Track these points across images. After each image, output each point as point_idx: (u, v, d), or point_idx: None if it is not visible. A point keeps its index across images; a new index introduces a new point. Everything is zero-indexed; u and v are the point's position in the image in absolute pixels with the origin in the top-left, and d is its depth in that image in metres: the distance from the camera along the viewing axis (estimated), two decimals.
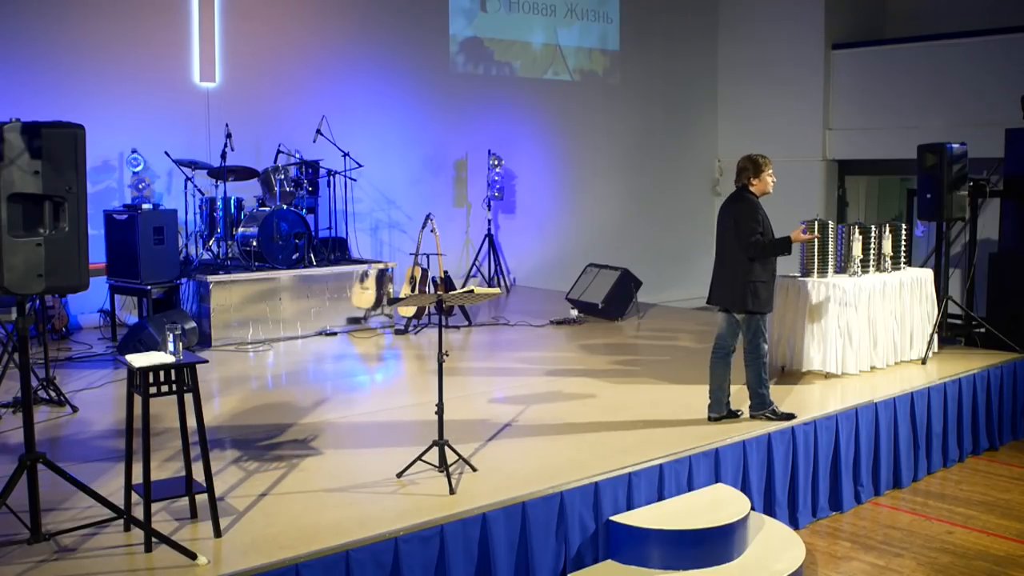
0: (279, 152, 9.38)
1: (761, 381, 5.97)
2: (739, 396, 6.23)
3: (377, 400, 6.73)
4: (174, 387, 4.15)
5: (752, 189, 5.87)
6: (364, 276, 9.15)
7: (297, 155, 9.45)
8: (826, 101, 13.70)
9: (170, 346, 4.17)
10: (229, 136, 8.99)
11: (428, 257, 8.99)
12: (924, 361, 7.61)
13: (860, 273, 7.33)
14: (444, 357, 4.98)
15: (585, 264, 10.34)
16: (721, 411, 5.97)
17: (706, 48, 14.74)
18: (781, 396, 6.67)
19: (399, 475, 4.87)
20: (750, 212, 5.78)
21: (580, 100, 13.18)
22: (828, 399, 6.52)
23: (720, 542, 4.88)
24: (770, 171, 5.86)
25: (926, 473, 6.95)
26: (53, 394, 6.21)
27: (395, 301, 9.18)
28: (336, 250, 9.61)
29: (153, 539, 3.97)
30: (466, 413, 6.11)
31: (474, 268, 11.78)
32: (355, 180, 10.11)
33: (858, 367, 7.14)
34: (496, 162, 11.72)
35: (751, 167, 5.87)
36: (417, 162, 11.51)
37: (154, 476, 4.15)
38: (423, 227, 9.08)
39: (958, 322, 8.73)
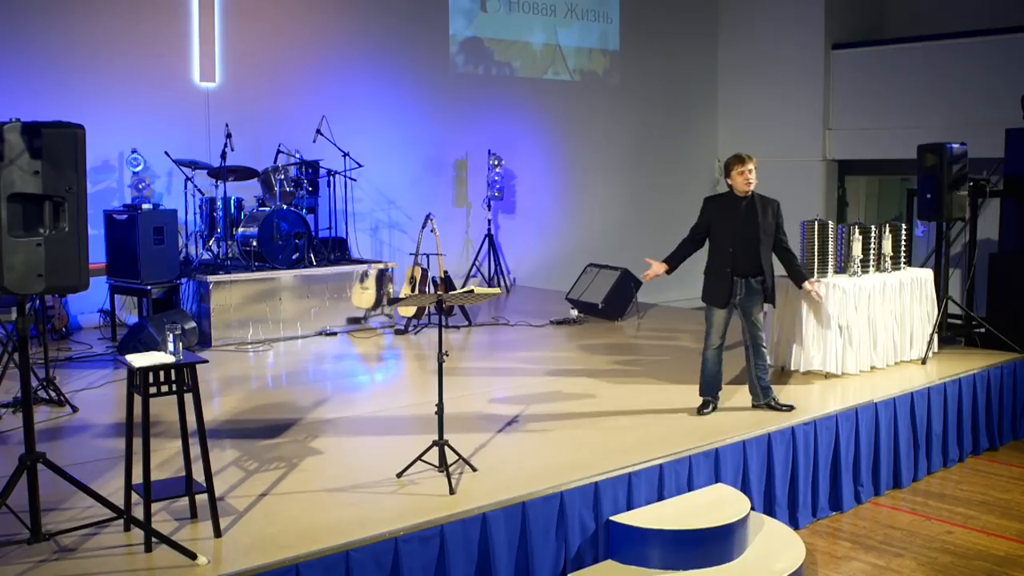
0: (279, 152, 9.38)
1: (701, 372, 6.19)
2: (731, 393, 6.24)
3: (377, 400, 6.72)
4: (174, 387, 4.15)
5: (731, 188, 6.00)
6: (364, 276, 9.15)
7: (297, 155, 9.45)
8: (826, 101, 13.70)
9: (170, 346, 4.17)
10: (229, 136, 8.99)
11: (428, 257, 8.99)
12: (924, 361, 7.61)
13: (860, 273, 7.33)
14: (444, 357, 4.98)
15: (585, 264, 10.34)
16: (757, 401, 6.25)
17: (706, 48, 14.74)
18: (782, 396, 6.67)
19: (399, 475, 4.87)
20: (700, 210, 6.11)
21: (580, 100, 13.18)
22: (828, 399, 6.52)
23: (720, 542, 4.88)
24: (741, 169, 5.89)
25: (926, 473, 6.95)
26: (53, 394, 6.21)
27: (395, 301, 9.18)
28: (336, 250, 9.61)
29: (153, 539, 3.97)
30: (466, 413, 6.11)
31: (474, 268, 11.78)
32: (355, 180, 10.11)
33: (858, 367, 7.14)
34: (496, 162, 11.72)
35: (724, 168, 6.06)
36: (417, 162, 11.51)
37: (154, 476, 4.15)
38: (423, 227, 9.07)
39: (958, 322, 8.73)
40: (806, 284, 6.31)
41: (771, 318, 7.27)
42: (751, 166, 5.92)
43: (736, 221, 5.94)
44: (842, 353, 7.04)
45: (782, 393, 6.74)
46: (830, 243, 7.20)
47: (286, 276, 8.71)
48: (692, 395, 6.55)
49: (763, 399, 6.19)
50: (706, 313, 6.14)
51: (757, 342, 6.14)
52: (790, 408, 6.11)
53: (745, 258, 5.95)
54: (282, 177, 8.99)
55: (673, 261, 6.10)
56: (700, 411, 6.11)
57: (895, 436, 6.65)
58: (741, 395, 6.61)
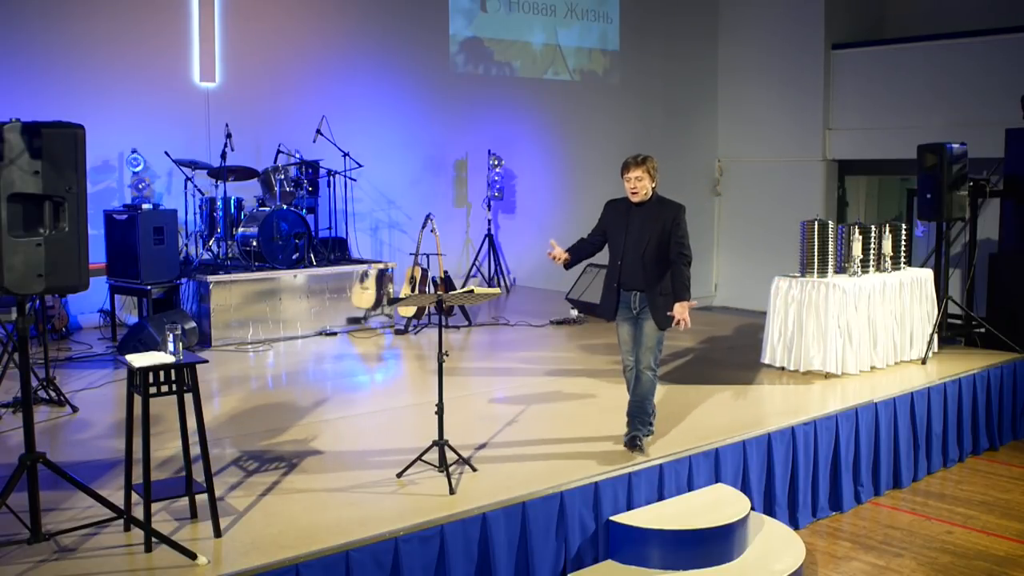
0: (279, 152, 9.38)
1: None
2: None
3: (377, 400, 6.73)
4: (174, 387, 4.15)
5: None
6: (364, 276, 9.15)
7: (297, 155, 9.45)
8: (826, 101, 13.70)
9: (170, 346, 4.17)
10: (229, 136, 8.99)
11: (428, 257, 8.99)
12: (924, 361, 7.61)
13: (860, 273, 7.33)
14: (444, 357, 4.98)
15: (585, 264, 10.33)
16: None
17: (706, 48, 14.74)
18: (782, 396, 6.68)
19: (399, 475, 4.87)
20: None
21: (580, 100, 13.18)
22: (828, 399, 6.52)
23: (720, 542, 4.88)
24: (626, 176, 5.27)
25: (926, 473, 6.95)
26: (53, 394, 6.21)
27: (395, 301, 9.17)
28: (336, 250, 9.61)
29: (153, 539, 3.97)
30: (466, 413, 6.11)
31: (474, 268, 11.78)
32: (355, 180, 10.11)
33: (858, 367, 7.14)
34: (496, 162, 11.72)
35: None
36: (417, 162, 11.51)
37: (154, 476, 4.15)
38: (423, 227, 9.08)
39: (958, 322, 8.73)
40: (676, 306, 5.25)
41: (770, 318, 7.28)
42: (636, 173, 5.24)
43: (626, 230, 5.33)
44: (842, 353, 7.04)
45: (782, 393, 6.75)
46: (830, 243, 7.20)
47: (286, 276, 8.71)
48: (692, 395, 6.56)
49: (629, 431, 5.32)
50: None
51: (640, 365, 5.34)
52: (640, 450, 5.24)
53: (632, 271, 5.30)
54: (282, 177, 8.99)
55: (572, 253, 5.47)
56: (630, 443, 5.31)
57: (895, 436, 6.65)
58: (737, 395, 6.61)
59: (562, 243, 5.52)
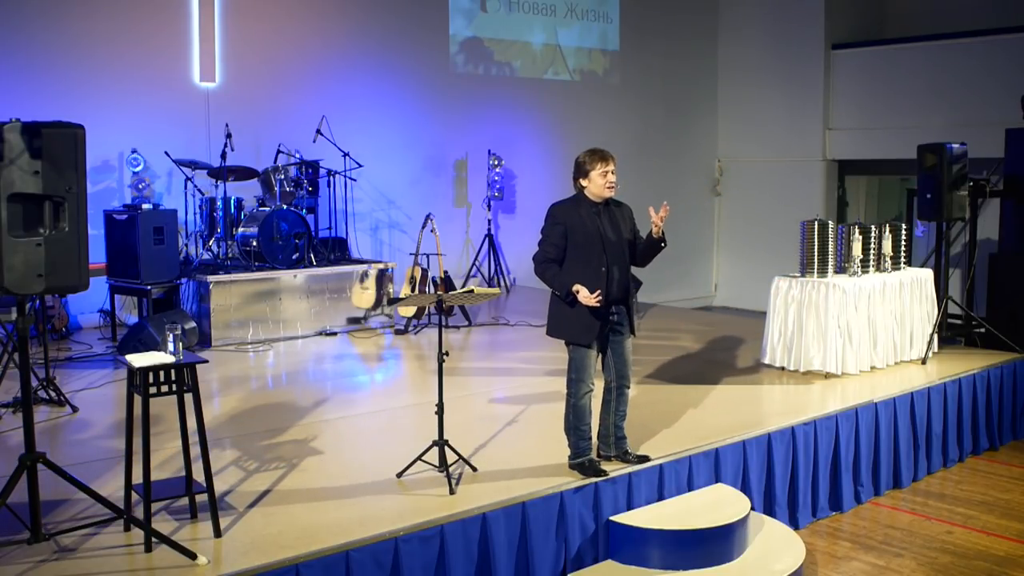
0: (279, 152, 9.38)
1: (568, 424, 5.00)
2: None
3: (377, 400, 6.73)
4: (174, 387, 4.15)
5: (586, 192, 4.94)
6: (364, 276, 9.15)
7: (297, 155, 9.45)
8: (826, 101, 13.70)
9: (170, 346, 4.17)
10: (229, 136, 8.99)
11: (428, 257, 8.99)
12: (924, 361, 7.61)
13: (860, 273, 7.33)
14: (444, 357, 4.98)
15: None
16: (608, 451, 5.15)
17: (706, 48, 14.74)
18: (782, 396, 6.68)
19: (399, 475, 4.87)
20: (547, 221, 5.05)
21: (580, 100, 13.18)
22: (828, 399, 6.52)
23: (720, 542, 4.88)
24: (604, 169, 4.82)
25: (926, 473, 6.95)
26: (53, 394, 6.21)
27: (395, 301, 9.17)
28: (336, 250, 9.61)
29: (153, 539, 3.97)
30: (466, 413, 6.11)
31: (474, 268, 11.78)
32: (355, 180, 10.11)
33: (858, 367, 7.14)
34: (496, 162, 11.72)
35: (577, 167, 4.95)
36: (417, 162, 11.51)
37: (154, 476, 4.15)
38: (423, 227, 9.08)
39: (958, 322, 8.73)
40: (654, 229, 4.91)
41: (770, 318, 7.27)
42: (614, 167, 4.86)
43: (602, 236, 4.88)
44: (842, 353, 7.04)
45: (782, 393, 6.76)
46: (830, 243, 7.20)
47: (286, 276, 8.71)
48: (692, 395, 6.56)
49: (617, 450, 5.12)
50: (576, 355, 4.91)
51: (625, 383, 5.05)
52: (646, 459, 5.14)
53: (620, 279, 4.90)
54: (282, 177, 8.99)
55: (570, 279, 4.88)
56: (598, 469, 4.94)
57: (895, 436, 6.65)
58: (737, 395, 6.61)
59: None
